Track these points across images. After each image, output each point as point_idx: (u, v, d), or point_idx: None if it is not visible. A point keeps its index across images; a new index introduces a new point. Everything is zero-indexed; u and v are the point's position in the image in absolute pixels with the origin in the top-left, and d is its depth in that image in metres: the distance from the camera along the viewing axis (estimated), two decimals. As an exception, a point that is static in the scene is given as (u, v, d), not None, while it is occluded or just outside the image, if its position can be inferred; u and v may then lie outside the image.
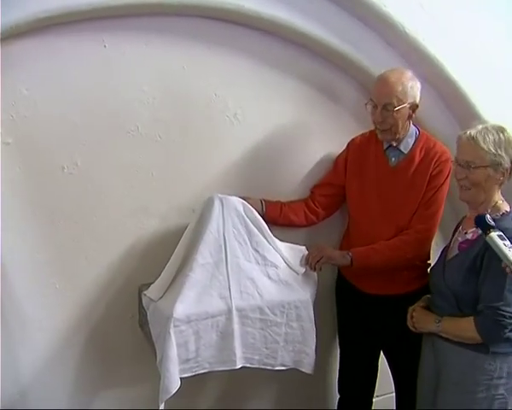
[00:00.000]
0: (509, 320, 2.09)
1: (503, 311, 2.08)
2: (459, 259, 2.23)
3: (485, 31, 2.75)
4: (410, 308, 2.40)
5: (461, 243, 2.27)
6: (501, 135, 2.14)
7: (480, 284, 2.14)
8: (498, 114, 2.63)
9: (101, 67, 2.31)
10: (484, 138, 2.12)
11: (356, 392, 2.84)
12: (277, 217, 2.61)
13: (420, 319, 2.34)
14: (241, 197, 2.49)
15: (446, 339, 2.26)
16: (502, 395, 2.20)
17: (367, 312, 2.66)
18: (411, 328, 2.38)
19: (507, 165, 2.15)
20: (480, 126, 2.17)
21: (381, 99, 2.40)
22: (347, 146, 2.70)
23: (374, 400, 2.90)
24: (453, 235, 2.40)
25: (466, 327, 2.16)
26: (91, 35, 2.26)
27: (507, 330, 2.12)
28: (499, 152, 2.12)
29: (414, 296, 2.52)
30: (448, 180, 2.52)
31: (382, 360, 2.81)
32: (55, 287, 2.40)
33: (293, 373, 2.51)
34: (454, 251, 2.29)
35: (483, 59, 2.74)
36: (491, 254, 2.07)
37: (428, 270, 2.52)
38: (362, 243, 2.54)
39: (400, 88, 2.38)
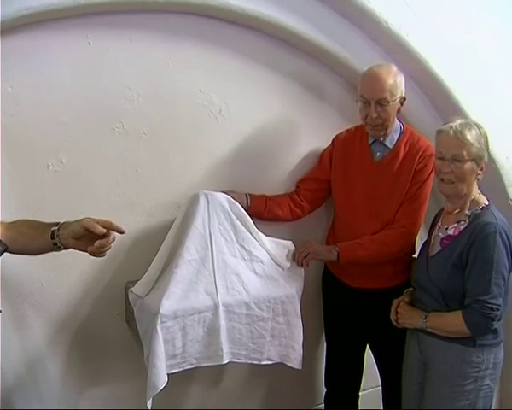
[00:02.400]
0: (495, 312, 2.12)
1: (490, 303, 2.11)
2: (443, 255, 2.26)
3: (468, 27, 2.77)
4: (394, 302, 2.42)
5: (442, 238, 2.29)
6: (481, 130, 2.19)
7: (466, 279, 2.17)
8: (482, 110, 2.66)
9: (86, 63, 2.30)
10: (469, 132, 2.15)
11: (342, 386, 2.86)
12: (262, 211, 2.62)
13: (405, 314, 2.36)
14: (225, 191, 2.50)
15: (432, 334, 2.28)
16: (487, 385, 2.24)
17: (353, 305, 2.68)
18: (394, 323, 2.40)
19: (486, 159, 2.19)
20: (459, 121, 2.20)
21: (375, 95, 2.41)
22: (332, 141, 2.72)
23: (360, 393, 2.92)
24: (431, 230, 2.43)
25: (453, 322, 2.19)
26: (75, 32, 2.25)
27: (494, 323, 2.15)
28: (481, 146, 2.16)
29: (399, 290, 2.55)
30: (432, 175, 2.53)
31: (369, 354, 2.82)
32: (41, 285, 2.39)
33: (280, 368, 2.52)
34: (436, 247, 2.31)
35: (467, 55, 2.76)
36: (477, 249, 2.11)
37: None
38: (347, 238, 2.56)
39: (391, 82, 2.40)
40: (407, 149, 2.54)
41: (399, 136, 2.56)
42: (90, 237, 1.69)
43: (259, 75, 2.61)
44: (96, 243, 1.68)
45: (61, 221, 1.74)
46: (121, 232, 1.73)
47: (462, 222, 2.24)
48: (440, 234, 2.31)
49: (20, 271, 2.33)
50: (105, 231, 1.68)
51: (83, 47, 2.28)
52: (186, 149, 2.52)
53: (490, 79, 2.83)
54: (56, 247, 1.73)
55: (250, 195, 2.60)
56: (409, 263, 2.65)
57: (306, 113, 2.75)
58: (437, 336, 2.26)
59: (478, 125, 2.21)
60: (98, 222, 1.69)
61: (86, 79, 2.31)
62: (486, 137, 2.21)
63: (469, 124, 2.19)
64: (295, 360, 2.50)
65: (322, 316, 2.88)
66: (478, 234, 2.15)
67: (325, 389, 2.92)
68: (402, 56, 2.64)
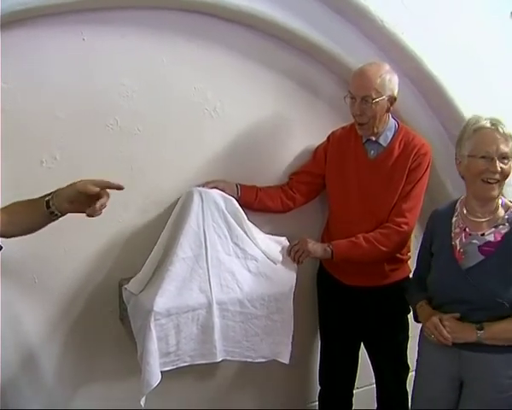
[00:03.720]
0: None
1: None
2: (494, 263, 2.11)
3: (464, 25, 2.77)
4: (435, 321, 2.18)
5: (481, 246, 2.14)
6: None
7: None
8: (476, 108, 2.65)
9: (80, 60, 2.29)
10: (505, 131, 2.09)
11: (337, 383, 2.86)
12: (252, 201, 2.61)
13: (456, 329, 2.14)
14: (215, 181, 2.52)
15: (479, 347, 2.12)
16: None
17: (347, 303, 2.68)
18: (447, 341, 2.15)
19: None
20: (486, 118, 2.14)
21: (360, 92, 2.41)
22: (328, 137, 2.72)
23: (354, 391, 2.92)
24: (436, 237, 2.28)
25: None
26: (70, 28, 2.24)
27: None
28: None
29: (393, 288, 2.55)
30: (427, 173, 2.54)
31: (363, 352, 2.83)
32: (35, 282, 2.38)
33: (274, 366, 2.53)
34: (473, 256, 2.15)
35: (462, 53, 2.76)
36: None
37: (429, 284, 2.29)
38: (342, 235, 2.56)
39: (378, 80, 2.39)
40: (402, 147, 2.53)
41: (394, 134, 2.55)
42: (85, 200, 1.69)
43: (254, 72, 2.60)
44: (97, 205, 1.67)
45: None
46: (120, 189, 1.71)
47: (501, 226, 2.13)
48: (475, 241, 2.15)
49: (14, 268, 2.32)
50: (98, 189, 1.67)
51: (77, 43, 2.27)
52: (180, 145, 2.52)
53: (485, 78, 2.83)
54: (53, 215, 1.72)
55: (240, 185, 2.59)
56: (402, 262, 2.66)
57: (300, 110, 2.75)
58: (486, 349, 2.10)
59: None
60: (94, 182, 1.67)
61: (80, 76, 2.30)
62: None
63: (498, 119, 2.12)
64: (286, 355, 2.52)
65: (317, 314, 2.88)
66: None
67: (319, 387, 2.92)
68: (397, 54, 2.65)
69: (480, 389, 2.16)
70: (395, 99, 2.47)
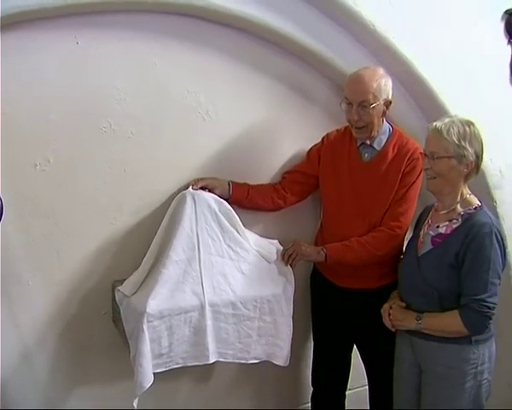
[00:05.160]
0: (493, 311, 2.14)
1: (488, 302, 2.12)
2: (436, 254, 2.25)
3: (454, 29, 2.79)
4: (385, 306, 2.40)
5: (433, 237, 2.28)
6: (466, 128, 2.19)
7: (462, 279, 2.16)
8: (466, 112, 2.67)
9: (74, 63, 2.30)
10: (448, 130, 2.17)
11: (329, 385, 2.86)
12: (244, 200, 2.61)
13: (398, 316, 2.34)
14: (206, 178, 2.53)
15: (425, 335, 2.26)
16: (486, 379, 2.25)
17: (340, 305, 2.68)
18: (389, 327, 2.39)
19: (471, 158, 2.18)
20: (447, 119, 2.22)
21: (357, 97, 2.42)
22: (322, 139, 2.72)
23: (347, 393, 2.92)
24: (416, 227, 2.44)
25: (450, 322, 2.19)
26: (63, 31, 2.25)
27: (491, 321, 2.17)
28: (463, 144, 2.16)
29: (386, 291, 2.56)
30: (421, 177, 2.55)
31: (356, 353, 2.83)
32: (28, 284, 2.39)
33: (266, 367, 2.54)
34: (426, 246, 2.30)
35: (452, 57, 2.78)
36: (474, 249, 2.12)
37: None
38: (335, 238, 2.57)
39: (375, 85, 2.41)
40: (395, 151, 2.55)
41: (388, 138, 2.57)
42: None
43: (246, 75, 2.61)
44: None
45: None
46: None
47: (455, 221, 2.23)
48: (431, 232, 2.30)
49: (7, 270, 2.33)
50: None
51: (71, 47, 2.28)
52: (173, 148, 2.53)
53: (475, 81, 2.85)
54: None
55: (232, 183, 2.59)
56: (395, 265, 2.66)
57: (292, 113, 2.76)
58: (431, 337, 2.25)
59: (467, 123, 2.20)
60: None
61: (74, 79, 2.31)
62: (475, 136, 2.19)
63: (454, 122, 2.20)
64: (281, 357, 2.52)
65: (310, 316, 2.88)
66: (475, 234, 2.15)
67: (312, 389, 2.92)
68: (388, 58, 2.66)
69: (426, 376, 2.31)
70: (390, 102, 2.49)
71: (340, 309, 2.70)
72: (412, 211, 2.57)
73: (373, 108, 2.42)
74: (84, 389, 2.60)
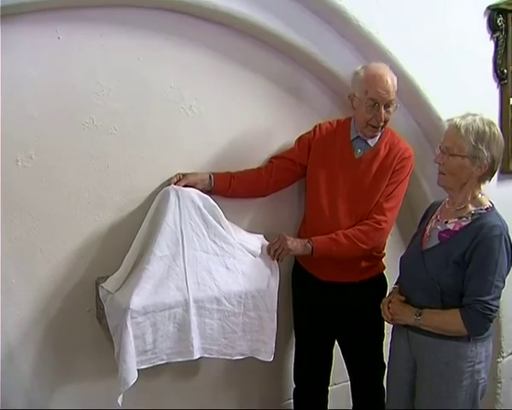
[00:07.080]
0: (494, 314, 2.13)
1: (490, 305, 2.11)
2: (442, 250, 2.22)
3: (438, 25, 2.81)
4: (385, 300, 2.39)
5: (441, 232, 2.25)
6: (486, 128, 2.13)
7: (467, 278, 2.14)
8: (450, 107, 2.69)
9: (56, 58, 2.28)
10: (466, 129, 2.13)
11: (311, 381, 2.85)
12: (226, 191, 2.60)
13: (398, 311, 2.32)
14: (187, 173, 2.51)
15: (423, 331, 2.24)
16: (483, 378, 2.24)
17: (322, 299, 2.68)
18: (388, 320, 2.38)
19: (486, 161, 2.14)
20: (469, 117, 2.17)
21: (386, 98, 2.46)
22: (314, 129, 2.70)
23: (330, 388, 2.93)
24: (422, 222, 2.41)
25: (450, 321, 2.17)
26: (45, 26, 2.23)
27: (491, 323, 2.16)
28: (479, 146, 2.12)
29: (367, 285, 2.58)
30: (409, 176, 2.59)
31: (337, 349, 2.84)
32: (11, 282, 2.36)
33: (248, 363, 2.55)
34: (432, 240, 2.27)
35: (436, 53, 2.80)
36: (482, 250, 2.11)
37: (399, 259, 2.46)
38: (320, 231, 2.57)
39: (395, 84, 2.47)
40: (387, 149, 2.58)
41: (380, 136, 2.59)
42: None
43: (231, 71, 2.61)
44: None
45: None
46: None
47: (465, 219, 2.20)
48: (439, 227, 2.27)
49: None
50: None
51: (52, 42, 2.26)
52: (156, 144, 2.52)
53: (459, 77, 2.87)
54: None
55: (214, 174, 2.57)
56: (378, 259, 2.69)
57: (277, 109, 2.76)
58: (429, 333, 2.23)
59: (489, 124, 2.16)
60: None
61: (56, 74, 2.29)
62: (494, 139, 2.15)
63: (475, 121, 2.15)
64: (265, 353, 2.52)
65: (291, 311, 2.88)
66: (485, 236, 2.12)
67: (294, 385, 2.91)
68: (372, 54, 2.67)
69: (422, 371, 2.29)
70: None
71: (322, 303, 2.70)
72: (398, 207, 2.60)
73: (394, 107, 2.48)
74: (68, 387, 2.58)
